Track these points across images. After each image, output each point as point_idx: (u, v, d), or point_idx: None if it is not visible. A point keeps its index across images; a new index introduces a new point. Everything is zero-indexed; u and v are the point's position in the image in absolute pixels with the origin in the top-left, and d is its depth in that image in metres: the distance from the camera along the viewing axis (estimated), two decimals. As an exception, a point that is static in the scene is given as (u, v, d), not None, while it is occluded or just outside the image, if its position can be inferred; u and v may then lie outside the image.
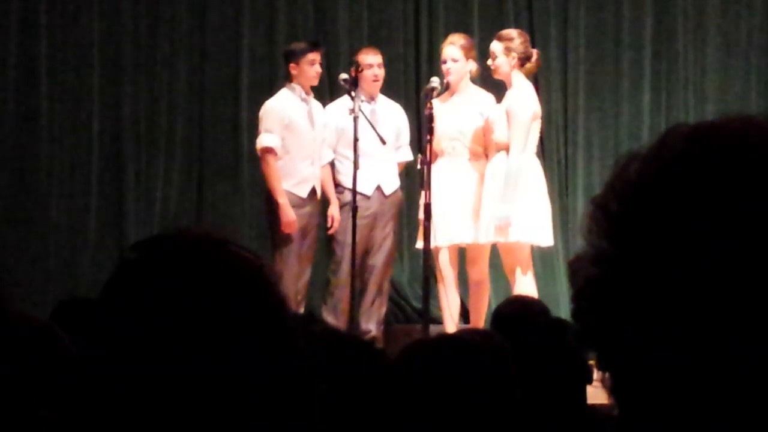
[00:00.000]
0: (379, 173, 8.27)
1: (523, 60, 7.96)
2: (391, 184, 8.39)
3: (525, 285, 7.81)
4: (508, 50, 7.93)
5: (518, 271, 7.90)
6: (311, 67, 8.21)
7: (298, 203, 8.13)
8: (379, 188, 8.32)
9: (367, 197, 8.15)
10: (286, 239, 8.09)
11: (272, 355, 1.29)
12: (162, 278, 1.30)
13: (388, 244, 8.40)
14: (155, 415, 1.26)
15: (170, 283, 1.29)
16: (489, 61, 8.00)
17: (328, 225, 8.29)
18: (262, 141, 8.18)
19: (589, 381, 3.56)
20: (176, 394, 1.26)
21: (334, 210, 8.26)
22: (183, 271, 1.30)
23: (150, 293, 1.29)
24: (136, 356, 1.27)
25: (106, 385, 1.27)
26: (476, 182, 8.08)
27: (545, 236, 7.99)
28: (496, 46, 7.98)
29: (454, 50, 8.19)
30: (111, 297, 1.31)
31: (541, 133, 8.28)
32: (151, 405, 1.26)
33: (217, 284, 1.30)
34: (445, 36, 8.89)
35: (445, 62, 8.22)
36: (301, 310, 8.02)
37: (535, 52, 8.05)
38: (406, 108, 8.76)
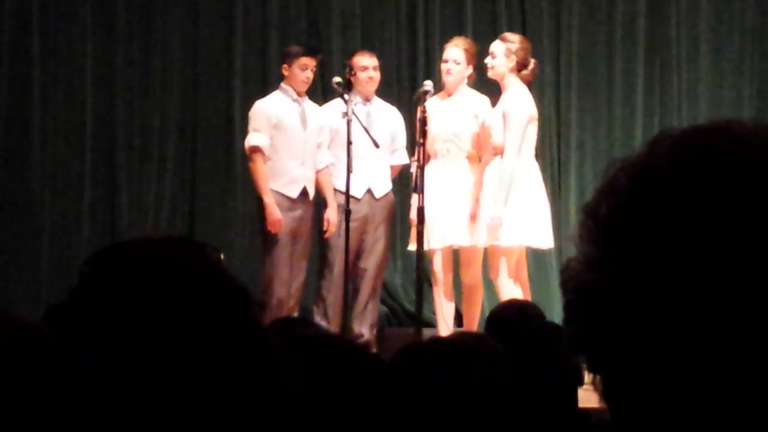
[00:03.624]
0: (370, 176, 8.27)
1: (521, 66, 7.97)
2: (383, 186, 8.39)
3: (512, 289, 7.79)
4: (508, 52, 7.94)
5: (503, 275, 7.88)
6: (302, 71, 8.22)
7: (287, 204, 8.13)
8: (369, 191, 8.31)
9: (357, 200, 8.14)
10: (275, 240, 8.08)
11: (236, 357, 1.29)
12: (119, 290, 1.30)
13: (380, 247, 8.39)
14: (119, 424, 1.25)
15: (127, 294, 1.29)
16: (487, 59, 8.01)
17: (324, 228, 8.28)
18: (250, 140, 8.21)
19: (580, 383, 3.57)
20: (140, 404, 1.25)
21: (331, 213, 8.25)
22: (140, 280, 1.30)
23: (108, 307, 1.29)
24: (100, 367, 1.26)
25: (71, 394, 1.27)
26: (470, 184, 8.09)
27: (545, 239, 8.00)
28: (497, 46, 8.00)
29: (457, 52, 8.20)
30: (70, 313, 1.31)
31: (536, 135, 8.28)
32: (114, 416, 1.25)
33: (175, 291, 1.30)
34: (440, 39, 8.91)
35: (446, 62, 8.22)
36: (295, 314, 8.01)
37: (532, 62, 8.06)
38: (401, 111, 8.76)
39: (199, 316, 1.29)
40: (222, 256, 1.42)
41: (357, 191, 8.12)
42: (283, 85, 8.34)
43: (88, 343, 1.28)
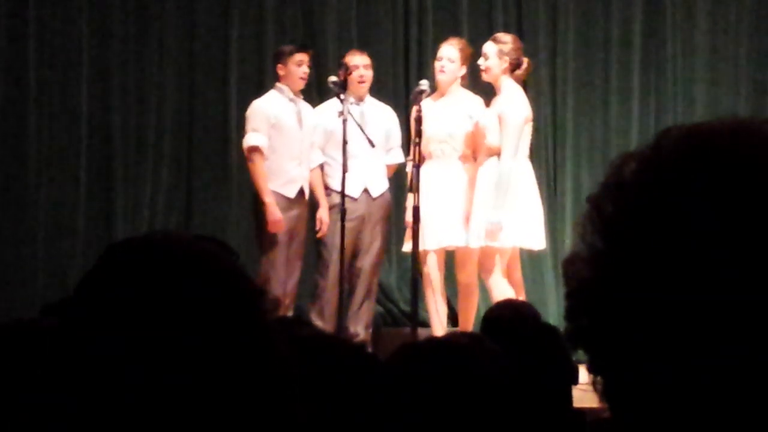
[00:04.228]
0: (366, 175, 8.27)
1: (514, 66, 7.97)
2: (379, 186, 8.38)
3: (504, 289, 7.79)
4: (500, 53, 7.94)
5: (496, 275, 7.88)
6: (298, 68, 8.23)
7: (285, 204, 8.13)
8: (366, 190, 8.31)
9: (354, 199, 8.14)
10: (273, 240, 8.08)
11: (244, 358, 1.28)
12: (132, 283, 1.29)
13: (376, 246, 8.39)
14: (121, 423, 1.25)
15: (138, 288, 1.29)
16: (480, 61, 8.01)
17: (317, 228, 8.28)
18: (249, 140, 8.19)
19: (575, 383, 3.57)
20: (143, 403, 1.25)
21: (323, 213, 8.25)
22: (155, 274, 1.30)
23: (120, 299, 1.28)
24: (107, 365, 1.26)
25: (72, 396, 1.27)
26: (465, 185, 8.09)
27: (537, 240, 8.00)
28: (489, 48, 8.00)
29: (452, 50, 8.20)
30: (78, 306, 1.31)
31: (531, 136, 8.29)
32: (115, 414, 1.25)
33: (191, 287, 1.29)
34: (435, 39, 8.91)
35: (440, 59, 8.22)
36: (290, 313, 8.01)
37: (525, 61, 8.06)
38: (396, 110, 8.76)
39: (211, 314, 1.28)
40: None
41: (353, 191, 8.12)
42: (279, 84, 8.33)
43: (94, 338, 1.27)
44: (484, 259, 7.93)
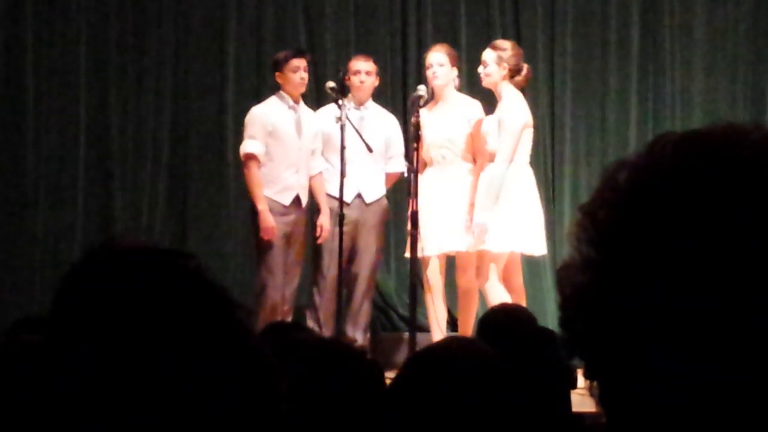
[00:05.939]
0: (361, 181, 8.25)
1: (514, 72, 7.98)
2: (374, 192, 8.37)
3: (500, 294, 7.79)
4: (499, 60, 7.95)
5: (492, 280, 7.88)
6: (295, 74, 8.21)
7: (280, 211, 8.13)
8: (359, 196, 8.30)
9: (347, 204, 8.13)
10: (270, 246, 8.07)
11: (223, 364, 1.28)
12: (97, 296, 1.30)
13: (371, 251, 8.38)
14: None
15: (107, 300, 1.29)
16: (480, 68, 8.01)
17: (317, 234, 8.27)
18: (245, 147, 8.20)
19: (573, 387, 3.57)
20: (123, 410, 1.25)
21: (323, 219, 8.24)
22: (125, 282, 1.30)
23: (88, 313, 1.28)
24: (89, 371, 1.26)
25: (56, 402, 1.27)
26: (467, 190, 8.09)
27: (537, 245, 8.00)
28: (489, 55, 8.00)
29: (439, 55, 8.22)
30: (60, 310, 1.31)
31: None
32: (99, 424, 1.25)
33: (152, 298, 1.29)
34: (433, 45, 8.90)
35: (430, 67, 8.23)
36: (289, 319, 8.00)
37: (525, 67, 8.06)
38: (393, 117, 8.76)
39: (177, 322, 1.28)
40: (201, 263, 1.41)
41: (347, 196, 8.10)
42: (280, 92, 8.30)
43: (64, 351, 1.27)
44: (481, 265, 7.93)
